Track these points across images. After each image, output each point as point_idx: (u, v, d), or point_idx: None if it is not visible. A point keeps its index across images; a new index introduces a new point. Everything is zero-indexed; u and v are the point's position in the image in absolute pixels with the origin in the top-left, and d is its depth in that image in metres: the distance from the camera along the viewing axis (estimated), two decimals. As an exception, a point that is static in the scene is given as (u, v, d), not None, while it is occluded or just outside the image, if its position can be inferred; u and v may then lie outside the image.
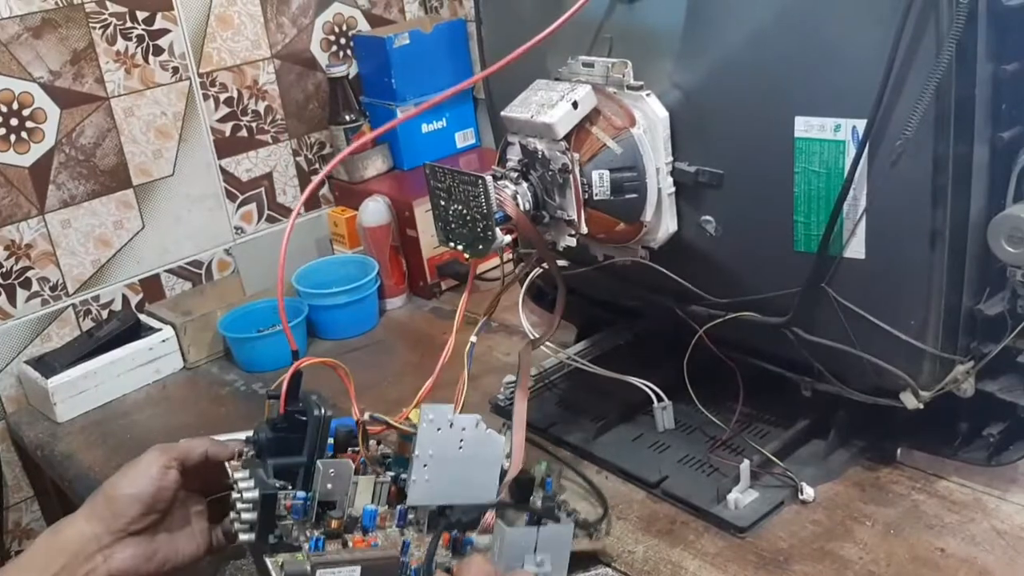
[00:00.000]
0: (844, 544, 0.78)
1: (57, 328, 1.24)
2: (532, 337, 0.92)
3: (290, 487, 0.74)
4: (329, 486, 0.73)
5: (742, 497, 0.82)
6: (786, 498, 0.83)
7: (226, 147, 1.34)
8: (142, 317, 1.25)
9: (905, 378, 0.77)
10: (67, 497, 1.09)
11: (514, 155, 0.79)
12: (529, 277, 0.98)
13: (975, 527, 0.77)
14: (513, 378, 0.98)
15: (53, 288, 1.23)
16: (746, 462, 0.83)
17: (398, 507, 0.75)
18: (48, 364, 1.17)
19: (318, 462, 0.73)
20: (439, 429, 0.73)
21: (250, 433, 0.98)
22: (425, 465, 0.73)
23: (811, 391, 0.86)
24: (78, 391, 1.16)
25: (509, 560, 0.69)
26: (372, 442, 0.82)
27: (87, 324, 1.26)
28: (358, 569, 0.64)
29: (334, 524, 0.72)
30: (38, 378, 1.15)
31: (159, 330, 1.22)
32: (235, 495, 0.72)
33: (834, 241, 0.75)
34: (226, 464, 0.80)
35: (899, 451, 0.86)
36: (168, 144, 1.29)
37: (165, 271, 1.32)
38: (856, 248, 0.75)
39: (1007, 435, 0.79)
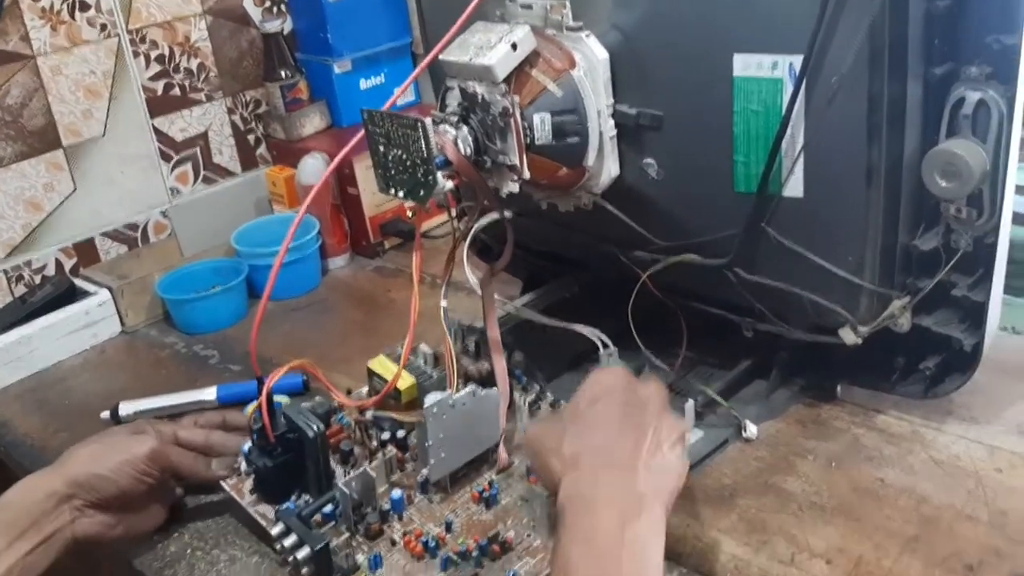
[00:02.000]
0: (787, 478, 0.79)
1: (-13, 295, 1.21)
2: (479, 292, 0.91)
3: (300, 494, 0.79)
4: (355, 496, 0.75)
5: (687, 437, 0.83)
6: (730, 437, 0.84)
7: (158, 106, 1.31)
8: (77, 281, 1.22)
9: (843, 314, 0.78)
10: (5, 465, 1.06)
11: (453, 100, 0.78)
12: (472, 231, 0.97)
13: (913, 458, 0.80)
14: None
15: (-18, 254, 1.20)
16: (690, 402, 0.84)
17: (418, 479, 0.80)
18: (-21, 331, 1.14)
19: (340, 486, 0.75)
20: (444, 416, 0.76)
21: (206, 396, 1.01)
22: (439, 447, 0.77)
23: (753, 332, 0.87)
24: (12, 358, 1.12)
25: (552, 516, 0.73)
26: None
27: (20, 290, 1.22)
28: None
29: (375, 528, 0.76)
30: (-31, 346, 1.12)
31: (95, 294, 1.19)
32: (278, 547, 0.72)
33: (773, 180, 0.75)
34: (232, 495, 0.82)
35: (839, 388, 0.88)
36: (98, 104, 1.25)
37: (100, 234, 1.29)
38: (794, 187, 0.75)
39: (942, 368, 0.81)
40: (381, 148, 0.75)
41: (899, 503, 0.75)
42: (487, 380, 0.86)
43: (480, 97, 0.75)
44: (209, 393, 1.01)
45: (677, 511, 0.77)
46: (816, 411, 0.87)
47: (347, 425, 0.86)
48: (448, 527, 0.76)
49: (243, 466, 0.82)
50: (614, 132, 0.80)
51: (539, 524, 0.75)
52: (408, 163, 0.74)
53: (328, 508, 0.76)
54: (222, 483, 0.83)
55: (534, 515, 0.76)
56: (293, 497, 0.79)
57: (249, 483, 0.82)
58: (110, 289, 1.20)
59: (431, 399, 0.76)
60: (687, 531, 0.75)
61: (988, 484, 0.76)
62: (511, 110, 0.74)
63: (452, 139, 0.75)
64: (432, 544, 0.74)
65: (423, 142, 0.71)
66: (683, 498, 0.78)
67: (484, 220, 0.89)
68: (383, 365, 0.88)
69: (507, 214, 0.87)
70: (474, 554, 0.72)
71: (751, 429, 0.84)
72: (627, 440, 0.66)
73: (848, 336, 0.79)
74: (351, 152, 1.26)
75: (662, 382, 0.75)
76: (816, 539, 0.73)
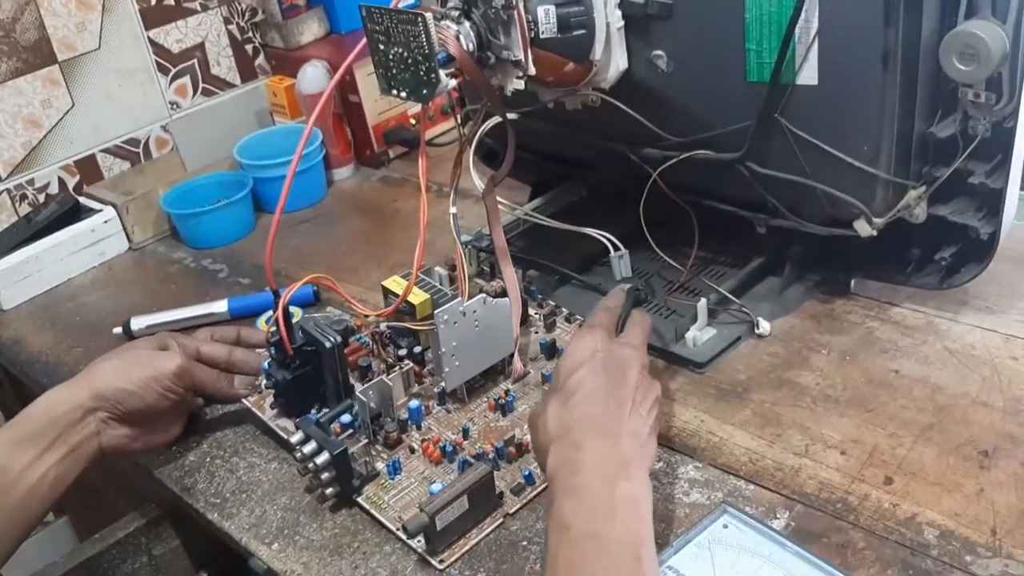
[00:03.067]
0: (801, 372, 0.79)
1: (-8, 215, 1.20)
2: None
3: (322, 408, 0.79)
4: (373, 405, 0.76)
5: (700, 335, 0.83)
6: (743, 334, 0.84)
7: (153, 17, 1.27)
8: (81, 199, 1.21)
9: (858, 205, 0.77)
10: (20, 383, 1.07)
11: (455, -6, 0.76)
12: (477, 136, 0.96)
13: (928, 348, 0.79)
14: (467, 237, 0.97)
15: (-16, 173, 1.19)
16: (703, 301, 0.84)
17: (435, 390, 0.81)
18: (-13, 251, 1.13)
19: (358, 394, 0.76)
20: (455, 323, 0.76)
21: (217, 309, 1.01)
22: (452, 355, 0.77)
23: (766, 228, 0.86)
24: (21, 276, 1.12)
25: None
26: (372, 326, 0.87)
27: (24, 209, 1.21)
28: (465, 497, 0.67)
29: (393, 437, 0.76)
30: (-22, 266, 1.11)
31: (100, 211, 1.18)
32: (298, 456, 0.73)
33: (786, 69, 0.73)
34: (254, 410, 0.83)
35: (853, 282, 0.87)
36: (91, 16, 1.22)
37: (101, 151, 1.27)
38: (808, 74, 0.73)
39: (958, 258, 0.80)
40: (381, 47, 0.73)
41: (913, 393, 0.75)
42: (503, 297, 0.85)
43: (482, -11, 0.73)
44: (220, 306, 1.01)
45: (689, 407, 0.77)
46: (830, 306, 0.86)
47: (365, 344, 0.86)
48: (465, 433, 0.77)
49: (263, 382, 0.83)
50: (621, 23, 0.78)
51: None
52: (409, 61, 0.72)
53: (347, 418, 0.77)
54: (243, 399, 0.84)
55: None
56: (313, 410, 0.79)
57: (270, 398, 0.82)
58: (115, 206, 1.19)
59: (442, 308, 0.76)
60: (701, 426, 0.75)
61: (1003, 372, 0.75)
62: (514, 2, 0.72)
63: (454, 34, 0.72)
64: (450, 449, 0.75)
65: (424, 37, 0.69)
66: (696, 394, 0.79)
67: (489, 123, 0.87)
68: (398, 284, 0.87)
69: (512, 116, 0.85)
70: (491, 456, 0.73)
71: (764, 326, 0.84)
72: (609, 407, 0.64)
73: (863, 228, 0.78)
74: (353, 59, 1.24)
75: (640, 337, 0.72)
76: (830, 431, 0.73)
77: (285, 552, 0.71)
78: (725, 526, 0.65)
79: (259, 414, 0.82)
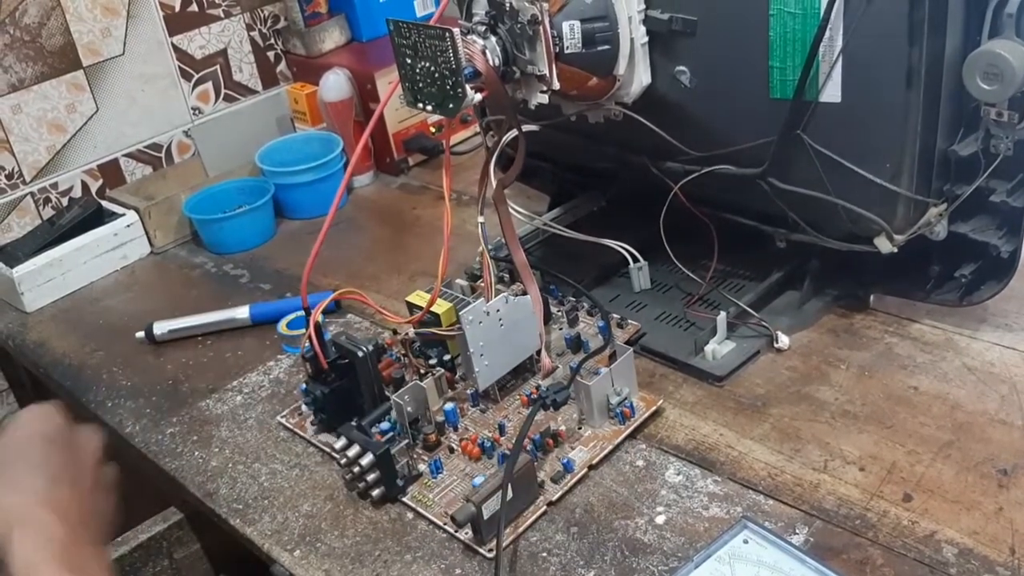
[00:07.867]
0: (820, 387, 0.79)
1: (17, 217, 1.21)
2: (511, 209, 0.90)
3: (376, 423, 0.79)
4: (410, 410, 0.77)
5: (719, 348, 0.83)
6: (762, 347, 0.84)
7: (176, 23, 1.28)
8: (104, 203, 1.22)
9: (879, 222, 0.77)
10: (43, 385, 1.08)
11: (480, 8, 0.76)
12: (499, 146, 0.96)
13: (947, 365, 0.79)
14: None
15: (9, 176, 1.20)
16: (722, 314, 0.84)
17: (468, 392, 0.83)
18: (11, 254, 1.14)
19: (393, 398, 0.78)
20: (480, 323, 0.77)
21: (238, 314, 1.02)
22: (481, 355, 0.78)
23: (785, 242, 0.86)
24: (45, 280, 1.14)
25: (599, 406, 0.77)
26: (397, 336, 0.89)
27: (47, 212, 1.22)
28: (508, 486, 0.68)
29: (432, 438, 0.78)
30: (2, 268, 1.12)
31: (122, 215, 1.20)
32: (343, 461, 0.74)
33: (810, 86, 0.74)
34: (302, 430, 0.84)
35: (872, 297, 0.87)
36: (116, 21, 1.23)
37: (123, 155, 1.28)
38: (832, 92, 0.74)
39: (978, 275, 0.81)
40: (408, 60, 0.74)
41: (932, 410, 0.75)
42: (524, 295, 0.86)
43: (508, 4, 0.73)
44: (242, 312, 1.02)
45: (708, 420, 0.78)
46: (848, 321, 0.87)
47: (397, 359, 0.87)
48: (501, 429, 0.78)
49: (303, 407, 0.85)
50: (646, 39, 0.78)
51: (588, 417, 0.77)
52: (436, 75, 0.72)
53: (386, 426, 0.78)
54: (283, 421, 0.85)
55: (583, 407, 0.77)
56: (352, 422, 0.80)
57: (310, 417, 0.84)
58: (137, 210, 1.20)
59: (466, 309, 0.77)
60: (720, 440, 0.76)
61: (1022, 390, 0.75)
62: (540, 17, 0.72)
63: (481, 49, 0.73)
64: (488, 445, 0.76)
65: (451, 53, 0.70)
66: (716, 408, 0.79)
67: (510, 135, 0.88)
68: (422, 298, 0.88)
69: (534, 127, 0.86)
70: (528, 448, 0.74)
71: (783, 340, 0.84)
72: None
73: (884, 245, 0.78)
74: (374, 67, 1.25)
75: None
76: (849, 446, 0.73)
77: (307, 559, 0.72)
78: (745, 541, 0.66)
79: (301, 434, 0.84)
